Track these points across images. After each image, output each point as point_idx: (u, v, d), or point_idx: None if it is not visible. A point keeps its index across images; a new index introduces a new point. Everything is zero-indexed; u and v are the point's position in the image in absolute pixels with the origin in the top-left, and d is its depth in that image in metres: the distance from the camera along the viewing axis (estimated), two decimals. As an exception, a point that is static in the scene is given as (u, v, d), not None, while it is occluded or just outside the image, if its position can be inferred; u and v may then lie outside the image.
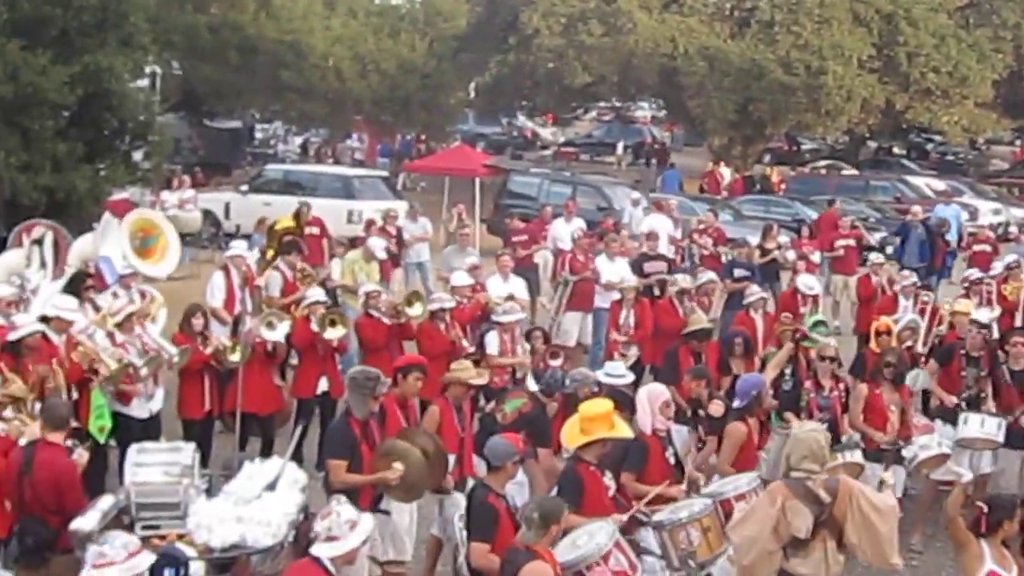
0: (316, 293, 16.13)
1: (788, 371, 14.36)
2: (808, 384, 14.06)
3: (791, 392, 14.08)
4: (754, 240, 24.56)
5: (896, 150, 54.12)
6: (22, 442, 10.10)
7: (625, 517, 10.40)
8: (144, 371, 13.46)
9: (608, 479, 10.74)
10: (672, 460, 11.71)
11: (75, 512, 9.14)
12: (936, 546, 13.62)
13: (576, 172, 39.48)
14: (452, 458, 11.49)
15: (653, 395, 12.04)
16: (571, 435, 10.78)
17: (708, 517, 10.77)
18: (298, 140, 52.45)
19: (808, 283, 18.94)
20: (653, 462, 11.43)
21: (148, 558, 7.50)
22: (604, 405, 11.03)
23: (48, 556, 9.24)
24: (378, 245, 19.88)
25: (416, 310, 16.22)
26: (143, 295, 15.21)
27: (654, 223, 24.74)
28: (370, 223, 22.96)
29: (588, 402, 11.38)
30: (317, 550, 7.79)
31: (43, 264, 15.81)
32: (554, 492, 10.81)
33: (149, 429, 13.44)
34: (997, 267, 20.79)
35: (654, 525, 10.77)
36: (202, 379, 14.43)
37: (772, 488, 10.22)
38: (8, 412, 10.93)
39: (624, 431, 10.84)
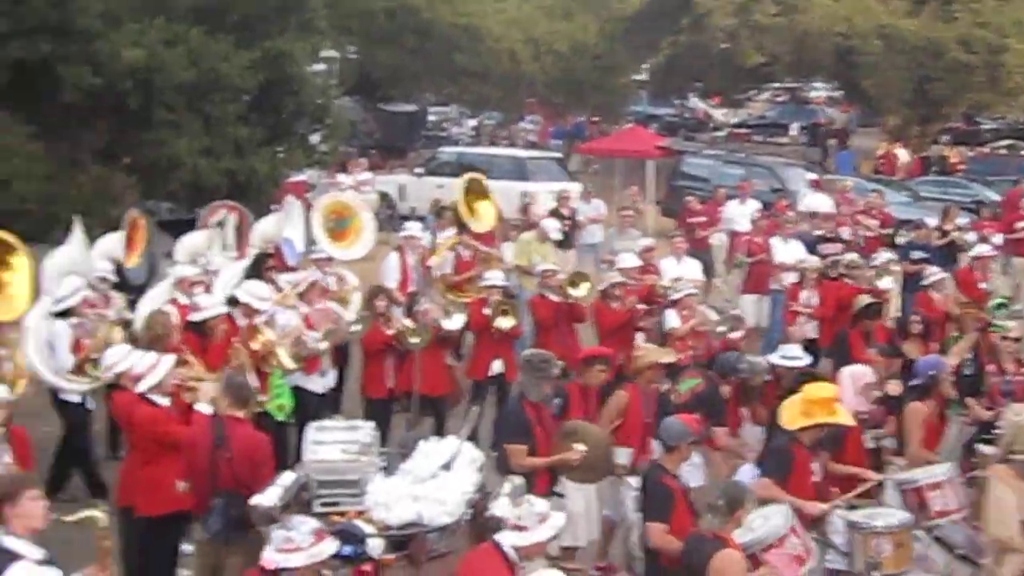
0: (495, 276, 16.05)
1: (970, 355, 14.08)
2: (991, 368, 13.75)
3: (972, 377, 13.64)
4: (932, 222, 23.94)
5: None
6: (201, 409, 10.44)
7: (827, 507, 10.43)
8: (323, 344, 13.75)
9: (816, 465, 10.68)
10: (869, 444, 11.66)
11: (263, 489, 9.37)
12: None
13: (749, 153, 38.88)
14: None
15: (856, 376, 11.93)
16: (791, 416, 10.61)
17: (904, 533, 10.61)
18: (472, 123, 52.48)
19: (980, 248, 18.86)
20: (850, 445, 11.32)
21: (332, 544, 7.58)
22: (829, 390, 10.94)
23: (245, 532, 9.28)
24: (552, 226, 19.82)
25: (581, 291, 15.97)
26: (340, 278, 15.47)
27: (814, 203, 24.49)
28: (527, 206, 23.03)
29: (814, 385, 11.12)
30: (502, 537, 7.76)
31: (225, 246, 16.09)
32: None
33: (325, 405, 13.78)
34: None
35: (849, 523, 10.63)
36: (384, 359, 14.53)
37: (999, 475, 10.21)
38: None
39: (845, 418, 10.72)
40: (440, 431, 13.43)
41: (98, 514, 7.56)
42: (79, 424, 13.54)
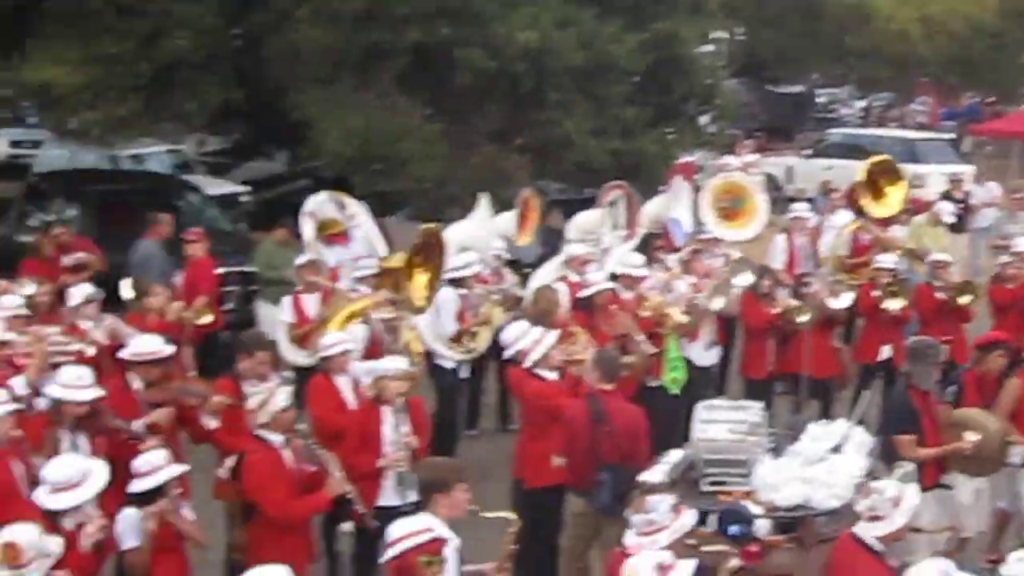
0: (887, 259, 15.54)
1: None
2: None
3: None
4: None
5: None
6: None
7: None
8: (714, 303, 13.88)
9: None
10: None
11: (642, 462, 9.49)
12: None
13: None
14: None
15: None
16: None
17: None
18: (860, 104, 51.64)
19: None
20: None
21: (692, 515, 7.58)
22: None
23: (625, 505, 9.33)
24: (946, 210, 19.35)
25: (965, 299, 15.05)
26: (726, 258, 15.37)
27: None
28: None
29: None
30: (861, 530, 7.56)
31: (616, 226, 16.24)
32: None
33: (710, 383, 13.86)
34: None
35: None
36: (765, 339, 14.39)
37: None
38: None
39: None
40: (826, 414, 13.34)
41: (512, 517, 7.82)
42: (450, 390, 13.91)
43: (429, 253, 13.69)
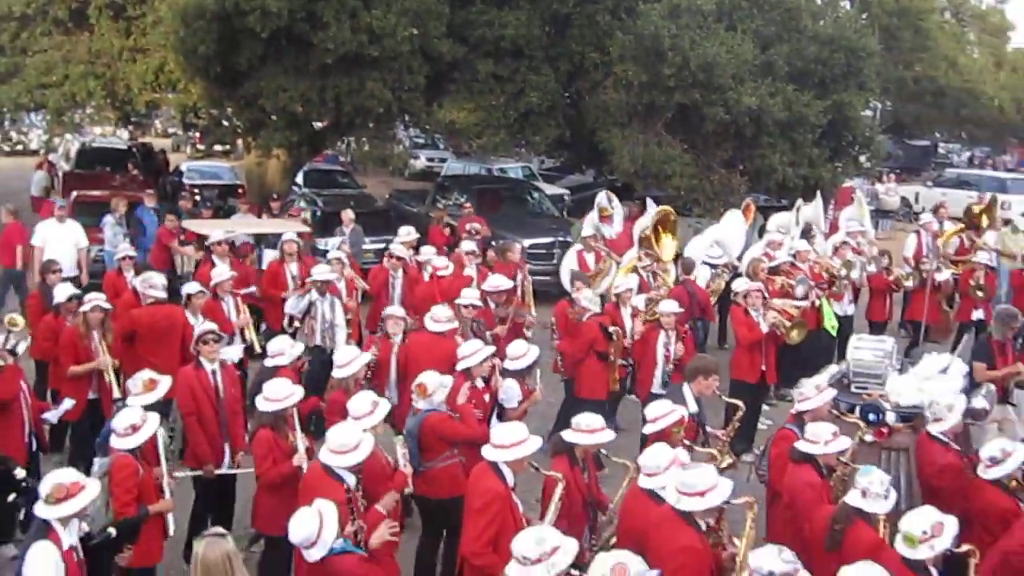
0: (981, 256, 14.41)
1: None
2: None
3: None
4: None
5: None
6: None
7: None
8: None
9: None
10: None
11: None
12: None
13: None
14: None
15: None
16: None
17: None
18: (967, 153, 48.99)
19: None
20: None
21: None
22: None
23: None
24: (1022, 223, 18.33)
25: None
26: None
27: None
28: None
29: None
30: (930, 427, 7.35)
31: (798, 223, 15.81)
32: None
33: (848, 325, 13.26)
34: None
35: None
36: (885, 298, 14.23)
37: None
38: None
39: None
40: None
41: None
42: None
43: (666, 225, 13.62)
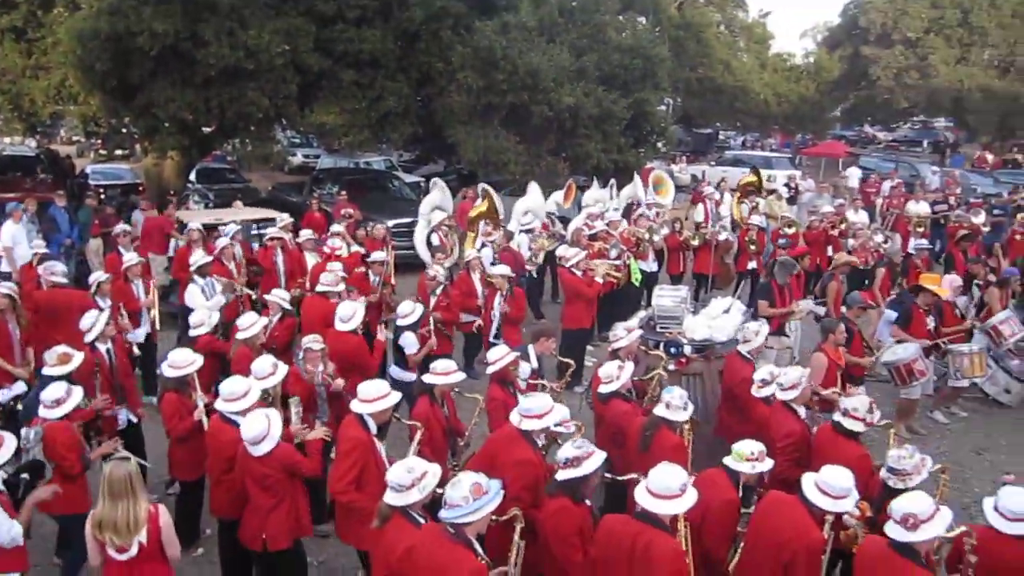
0: (755, 219, 14.91)
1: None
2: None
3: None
4: (1005, 194, 22.09)
5: None
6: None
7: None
8: None
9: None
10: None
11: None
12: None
13: (899, 156, 36.36)
14: None
15: (952, 278, 11.05)
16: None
17: (979, 355, 10.02)
18: (742, 138, 50.87)
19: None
20: (948, 313, 10.36)
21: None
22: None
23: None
24: (784, 193, 19.18)
25: (791, 229, 14.23)
26: (660, 214, 15.17)
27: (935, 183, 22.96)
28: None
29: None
30: (740, 347, 7.59)
31: (611, 198, 16.18)
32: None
33: (652, 279, 13.37)
34: None
35: (947, 350, 10.05)
36: (680, 254, 14.24)
37: None
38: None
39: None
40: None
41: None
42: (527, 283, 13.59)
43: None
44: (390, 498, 4.74)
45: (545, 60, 18.07)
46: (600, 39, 20.58)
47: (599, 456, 4.89)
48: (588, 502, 4.95)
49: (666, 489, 4.56)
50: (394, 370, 8.99)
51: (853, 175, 28.07)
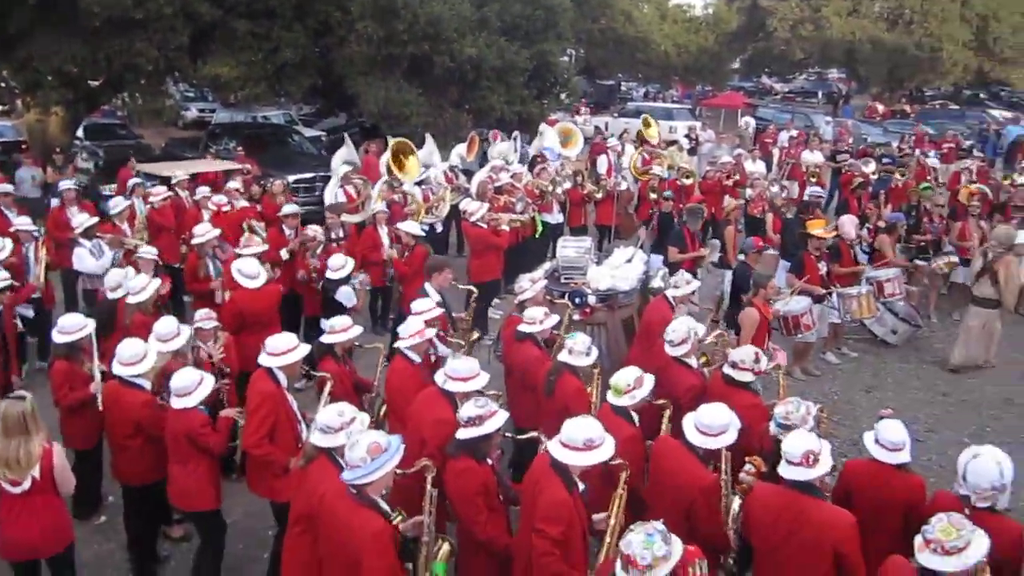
0: (658, 169, 15.23)
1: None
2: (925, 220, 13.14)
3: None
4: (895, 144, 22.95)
5: (981, 95, 48.92)
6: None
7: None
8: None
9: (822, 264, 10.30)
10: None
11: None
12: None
13: (794, 107, 37.34)
14: None
15: (849, 218, 11.41)
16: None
17: (867, 297, 10.45)
18: (643, 90, 51.24)
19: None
20: (845, 255, 10.80)
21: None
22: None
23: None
24: (685, 143, 19.56)
25: (688, 180, 14.97)
26: (563, 166, 15.23)
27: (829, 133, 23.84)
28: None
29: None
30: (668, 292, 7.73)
31: (515, 150, 16.20)
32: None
33: (556, 230, 13.45)
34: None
35: (838, 294, 10.44)
36: (583, 207, 14.38)
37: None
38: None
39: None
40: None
41: None
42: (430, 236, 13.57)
43: (405, 152, 13.57)
44: (316, 439, 4.80)
45: (447, 9, 17.79)
46: (502, -12, 20.40)
47: (502, 415, 4.91)
48: (490, 461, 4.97)
49: (572, 440, 4.55)
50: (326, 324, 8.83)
51: (747, 124, 28.77)
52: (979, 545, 3.80)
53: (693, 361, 6.72)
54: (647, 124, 18.09)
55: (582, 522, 4.61)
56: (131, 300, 7.55)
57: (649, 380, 5.56)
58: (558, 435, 4.63)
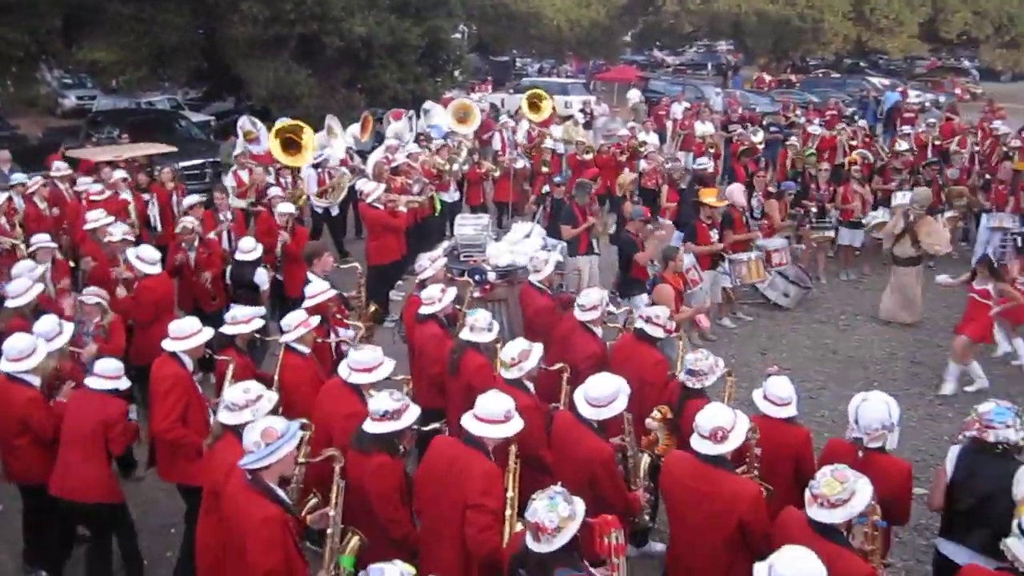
0: (548, 142, 15.36)
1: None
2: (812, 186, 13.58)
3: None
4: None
5: (861, 64, 50.84)
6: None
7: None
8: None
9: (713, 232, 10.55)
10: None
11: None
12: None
13: (685, 79, 38.17)
14: None
15: (736, 187, 11.70)
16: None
17: (756, 262, 10.74)
18: (538, 65, 51.43)
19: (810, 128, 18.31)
20: (737, 222, 11.04)
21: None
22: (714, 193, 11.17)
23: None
24: (579, 117, 19.75)
25: (588, 156, 14.78)
26: (462, 143, 15.18)
27: (720, 105, 24.32)
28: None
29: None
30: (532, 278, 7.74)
31: (411, 129, 16.08)
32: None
33: (456, 207, 13.49)
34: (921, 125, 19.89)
35: (729, 260, 10.70)
36: (480, 185, 14.30)
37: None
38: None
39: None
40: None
41: None
42: (325, 217, 13.45)
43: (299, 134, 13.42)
44: (223, 417, 4.78)
45: (334, -13, 17.53)
46: (391, -34, 20.15)
47: (415, 409, 4.84)
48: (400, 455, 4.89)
49: (491, 414, 4.57)
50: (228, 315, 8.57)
51: (634, 96, 29.15)
52: (863, 494, 3.97)
53: (598, 330, 6.83)
54: (532, 104, 18.09)
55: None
56: (9, 304, 7.08)
57: (536, 350, 5.60)
58: (472, 410, 4.63)
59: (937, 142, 17.66)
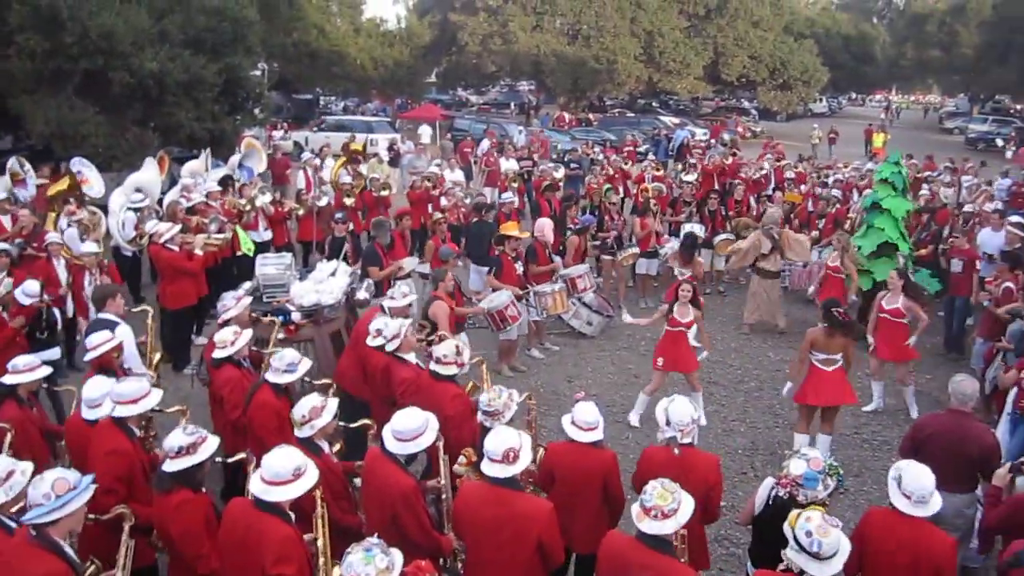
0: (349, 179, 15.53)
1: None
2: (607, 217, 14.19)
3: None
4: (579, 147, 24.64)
5: (653, 103, 53.92)
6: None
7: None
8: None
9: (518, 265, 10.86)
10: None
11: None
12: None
13: (489, 117, 39.05)
14: None
15: (544, 222, 12.00)
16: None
17: (559, 294, 11.10)
18: (343, 104, 51.16)
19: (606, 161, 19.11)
20: (541, 255, 11.45)
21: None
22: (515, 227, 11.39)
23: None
24: (386, 155, 19.73)
25: (386, 192, 15.73)
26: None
27: (522, 141, 25.11)
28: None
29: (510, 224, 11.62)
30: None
31: (207, 168, 15.59)
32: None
33: (265, 247, 13.27)
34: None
35: (534, 292, 11.00)
36: (313, 217, 14.07)
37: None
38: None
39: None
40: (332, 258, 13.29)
41: None
42: (130, 261, 12.87)
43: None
44: None
45: (121, 22, 16.67)
46: (184, 1, 19.46)
47: (213, 441, 4.70)
48: (203, 489, 4.74)
49: (276, 475, 4.37)
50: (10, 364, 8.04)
51: (425, 133, 29.88)
52: (687, 504, 4.15)
53: (410, 357, 6.84)
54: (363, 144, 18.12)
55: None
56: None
57: (331, 405, 5.35)
58: (259, 471, 4.44)
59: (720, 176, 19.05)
